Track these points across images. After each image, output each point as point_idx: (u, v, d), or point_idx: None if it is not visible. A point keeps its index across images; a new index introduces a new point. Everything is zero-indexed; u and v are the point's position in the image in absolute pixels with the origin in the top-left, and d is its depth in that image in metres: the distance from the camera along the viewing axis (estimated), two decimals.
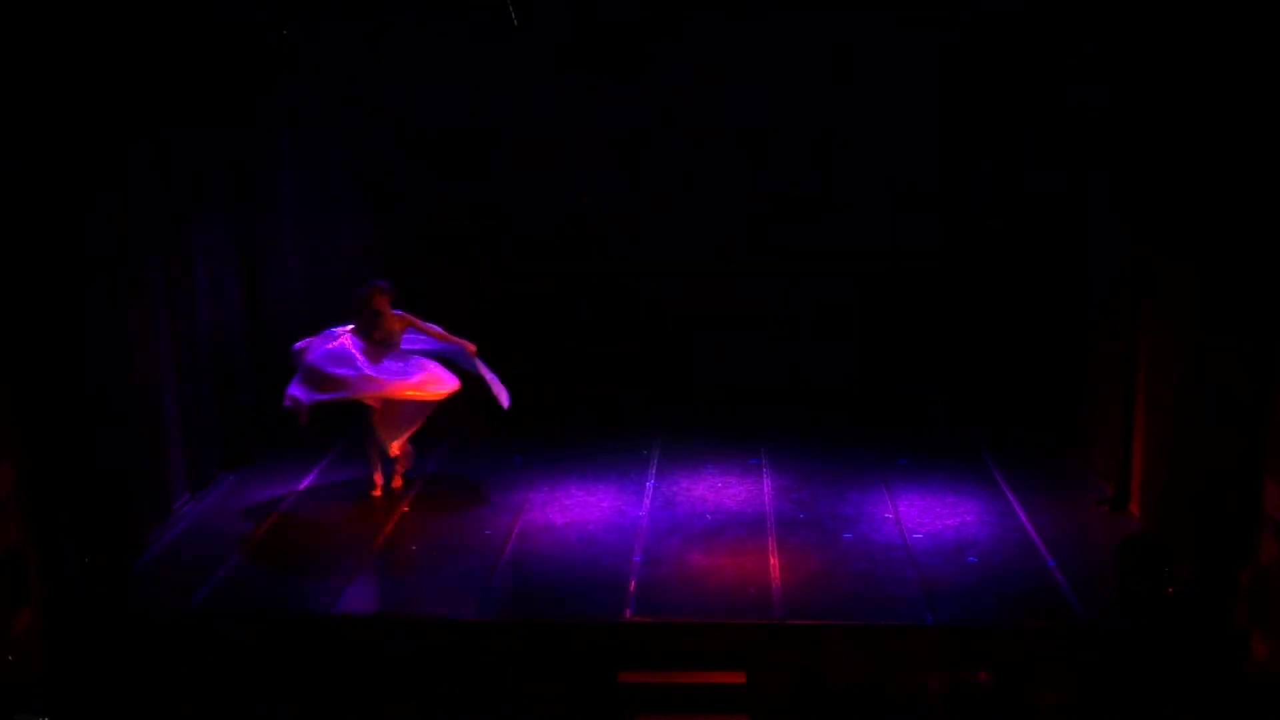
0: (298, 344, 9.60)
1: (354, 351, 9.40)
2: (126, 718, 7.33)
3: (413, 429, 9.68)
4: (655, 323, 11.80)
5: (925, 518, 9.32)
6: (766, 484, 10.06)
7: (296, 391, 9.30)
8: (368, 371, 9.30)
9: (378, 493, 9.87)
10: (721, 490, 9.97)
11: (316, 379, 9.29)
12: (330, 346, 9.42)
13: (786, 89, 11.22)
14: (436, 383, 9.48)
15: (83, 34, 8.05)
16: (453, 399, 9.57)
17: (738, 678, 7.65)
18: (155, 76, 8.99)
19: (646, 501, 9.73)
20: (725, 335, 11.78)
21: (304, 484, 10.19)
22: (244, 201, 10.70)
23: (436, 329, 9.72)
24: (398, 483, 9.98)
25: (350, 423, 11.57)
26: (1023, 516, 9.30)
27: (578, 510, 9.57)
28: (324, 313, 10.75)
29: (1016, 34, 10.13)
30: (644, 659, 7.75)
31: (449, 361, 9.76)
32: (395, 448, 9.69)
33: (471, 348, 9.70)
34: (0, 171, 7.54)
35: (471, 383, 9.72)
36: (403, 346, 9.64)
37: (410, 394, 9.39)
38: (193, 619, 8.03)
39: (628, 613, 7.95)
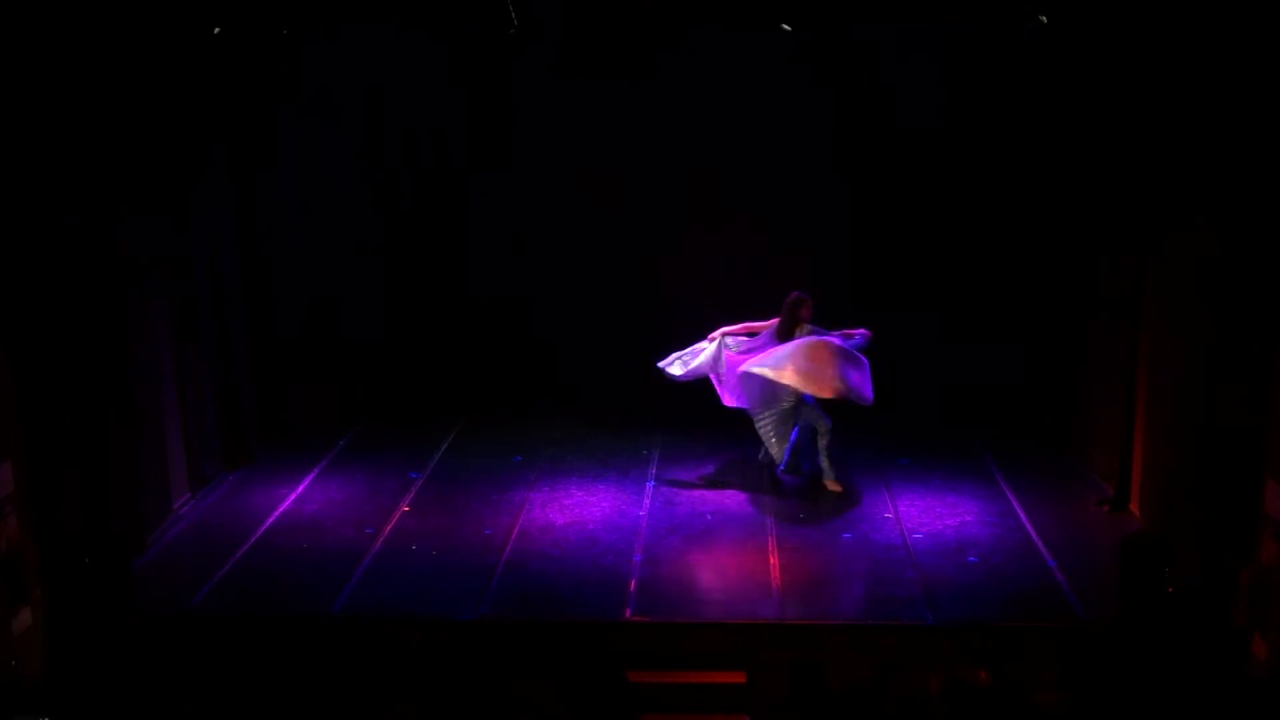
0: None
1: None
2: (126, 718, 7.32)
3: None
4: (655, 320, 11.81)
5: (925, 518, 9.32)
6: (767, 484, 10.05)
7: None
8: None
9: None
10: (721, 490, 9.96)
11: None
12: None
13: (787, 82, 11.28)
14: None
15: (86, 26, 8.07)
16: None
17: (738, 678, 7.65)
18: (154, 77, 8.99)
19: (646, 501, 9.72)
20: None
21: (304, 484, 10.18)
22: (245, 196, 10.69)
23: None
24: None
25: (350, 422, 11.54)
26: (1023, 516, 9.29)
27: (578, 510, 9.56)
28: (325, 301, 10.72)
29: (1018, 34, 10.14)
30: (644, 659, 7.75)
31: None
32: None
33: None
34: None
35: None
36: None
37: None
38: (193, 619, 8.03)
39: (628, 613, 7.95)
